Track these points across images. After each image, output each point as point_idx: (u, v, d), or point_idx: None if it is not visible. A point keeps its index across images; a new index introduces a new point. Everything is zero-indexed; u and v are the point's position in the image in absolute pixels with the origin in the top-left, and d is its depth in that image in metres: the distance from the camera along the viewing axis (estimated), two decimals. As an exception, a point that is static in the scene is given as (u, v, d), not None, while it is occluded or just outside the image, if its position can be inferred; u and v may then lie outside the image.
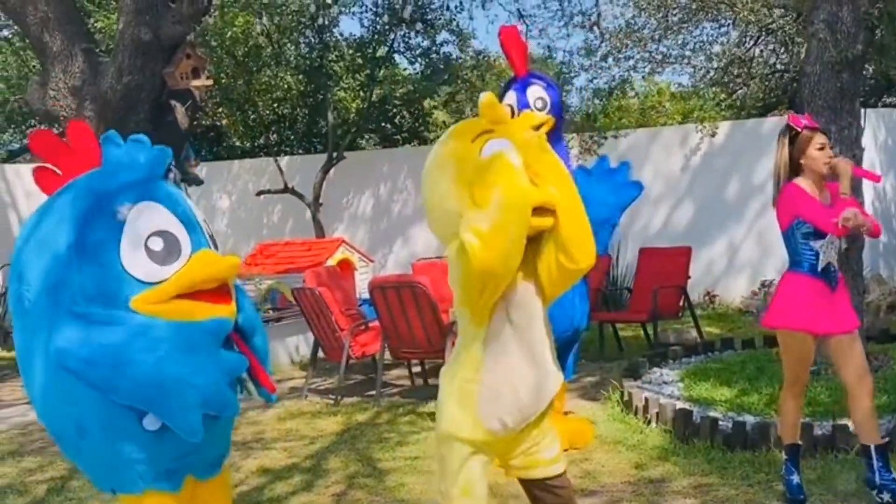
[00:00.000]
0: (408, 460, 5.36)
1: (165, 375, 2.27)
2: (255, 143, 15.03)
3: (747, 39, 14.39)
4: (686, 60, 14.92)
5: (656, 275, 8.18)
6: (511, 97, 5.16)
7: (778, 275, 10.05)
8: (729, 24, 13.95)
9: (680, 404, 5.57)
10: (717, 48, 14.56)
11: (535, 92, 5.14)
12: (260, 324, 2.71)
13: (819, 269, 3.98)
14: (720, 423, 5.16)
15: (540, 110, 5.07)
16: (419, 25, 12.17)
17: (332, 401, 7.14)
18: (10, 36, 13.80)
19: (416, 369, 7.72)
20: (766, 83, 14.64)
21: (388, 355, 7.10)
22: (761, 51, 14.21)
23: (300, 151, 15.10)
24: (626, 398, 5.98)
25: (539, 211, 2.58)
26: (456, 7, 11.94)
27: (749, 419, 5.24)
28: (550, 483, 2.94)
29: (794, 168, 4.05)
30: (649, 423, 5.53)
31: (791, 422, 4.25)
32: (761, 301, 10.13)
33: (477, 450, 2.81)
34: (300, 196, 12.72)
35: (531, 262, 2.72)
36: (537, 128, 4.88)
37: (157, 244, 2.36)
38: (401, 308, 6.50)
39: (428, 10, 12.03)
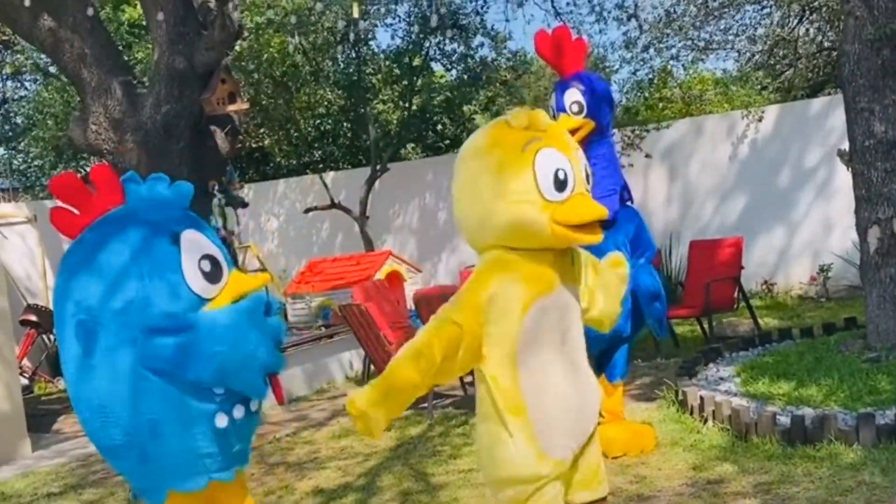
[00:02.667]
0: (461, 473, 5.30)
1: (240, 355, 2.62)
2: (301, 161, 15.14)
3: (791, 19, 14.08)
4: (730, 46, 14.68)
5: (708, 268, 8.02)
6: (552, 99, 5.17)
7: (837, 259, 9.89)
8: (771, 5, 13.68)
9: (736, 401, 5.43)
10: (760, 31, 14.31)
11: (572, 95, 5.06)
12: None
13: None
14: (779, 417, 5.01)
15: (576, 114, 5.01)
16: (452, 31, 12.13)
17: (386, 415, 7.11)
18: (56, 72, 14.11)
19: (468, 378, 7.66)
20: (814, 62, 14.29)
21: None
22: (806, 29, 13.87)
23: (345, 166, 15.18)
24: (680, 397, 5.84)
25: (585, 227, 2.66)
26: (484, 10, 11.90)
27: (808, 412, 5.08)
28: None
29: None
30: (706, 421, 5.39)
31: None
32: (820, 286, 9.88)
33: (541, 486, 2.74)
34: (347, 211, 12.77)
35: (566, 266, 2.74)
36: (574, 132, 4.86)
37: (206, 265, 2.69)
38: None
39: (461, 15, 12.00)
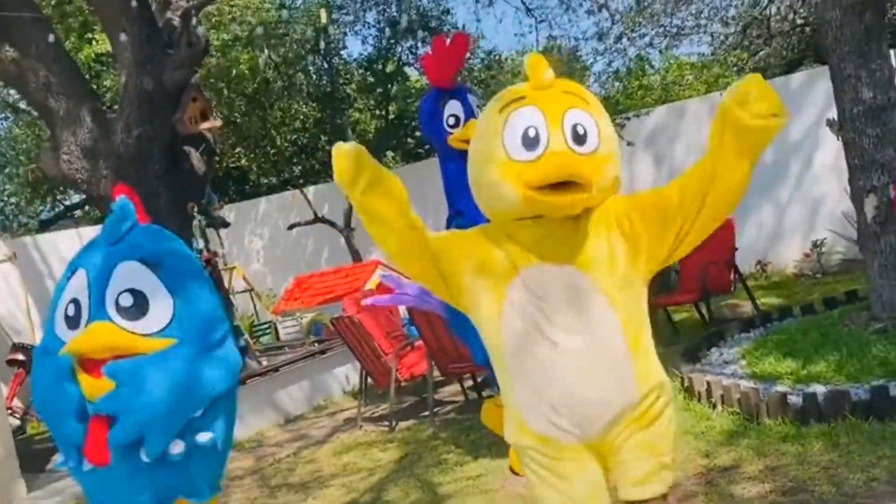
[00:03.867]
0: (469, 480, 5.15)
1: (44, 410, 2.58)
2: (280, 178, 14.95)
3: None
4: (703, 30, 14.60)
5: (701, 252, 7.80)
6: (454, 106, 4.92)
7: (829, 234, 9.80)
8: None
9: (744, 384, 5.29)
10: (731, 12, 14.23)
11: (474, 101, 4.96)
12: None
13: None
14: (789, 397, 4.87)
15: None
16: (423, 33, 11.99)
17: (387, 427, 6.96)
18: (26, 107, 13.91)
19: (469, 383, 7.50)
20: (788, 40, 14.23)
21: (437, 373, 6.91)
22: (778, 8, 13.80)
23: (326, 179, 15.00)
24: (686, 384, 5.70)
25: (559, 187, 2.32)
26: (453, 11, 11.78)
27: (819, 389, 4.95)
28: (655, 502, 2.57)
29: None
30: (714, 407, 5.25)
31: None
32: (815, 262, 9.78)
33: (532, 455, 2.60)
34: (332, 224, 12.59)
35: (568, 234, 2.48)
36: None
37: (71, 309, 2.53)
38: (443, 324, 6.29)
39: (430, 17, 11.86)
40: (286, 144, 14.01)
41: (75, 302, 2.53)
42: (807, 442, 4.48)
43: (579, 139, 2.37)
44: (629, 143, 10.92)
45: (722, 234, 7.91)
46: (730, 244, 7.84)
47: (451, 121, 4.94)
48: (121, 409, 2.49)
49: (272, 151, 13.81)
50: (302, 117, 13.38)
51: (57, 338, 2.53)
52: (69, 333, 2.51)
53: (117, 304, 2.48)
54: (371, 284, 9.26)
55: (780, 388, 5.14)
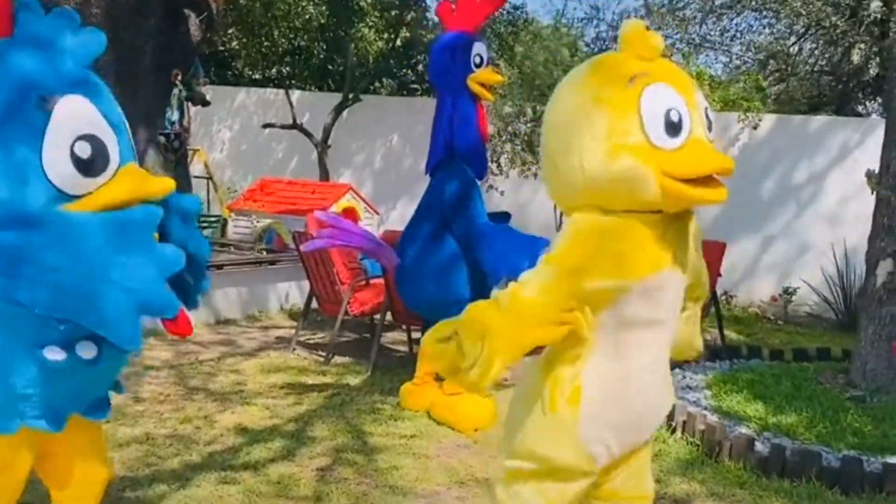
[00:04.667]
0: (402, 439, 4.79)
1: (95, 280, 1.94)
2: (266, 74, 14.26)
3: (792, 34, 13.70)
4: (725, 48, 14.25)
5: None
6: (480, 47, 5.01)
7: (804, 284, 9.59)
8: (772, 15, 13.26)
9: (710, 417, 5.00)
10: (759, 38, 13.90)
11: (481, 48, 5.04)
12: (204, 266, 2.40)
13: None
14: (756, 443, 4.59)
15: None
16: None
17: (323, 358, 6.55)
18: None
19: (416, 335, 7.12)
20: (805, 82, 13.96)
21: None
22: (811, 47, 13.50)
23: (312, 88, 14.37)
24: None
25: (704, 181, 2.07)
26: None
27: (787, 443, 4.68)
28: None
29: None
30: (673, 431, 4.96)
31: None
32: (780, 308, 9.58)
33: (569, 479, 2.24)
34: (309, 135, 12.02)
35: (682, 237, 2.20)
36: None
37: (83, 150, 1.99)
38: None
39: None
40: (283, 41, 13.31)
41: (92, 140, 2.00)
42: (766, 495, 4.22)
43: (710, 126, 2.17)
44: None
45: (710, 255, 7.65)
46: (716, 268, 7.54)
47: (477, 60, 4.93)
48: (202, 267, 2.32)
49: (266, 44, 13.11)
50: (307, 16, 12.67)
51: (58, 192, 1.98)
52: (86, 182, 2.01)
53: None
54: (338, 208, 8.78)
55: (745, 430, 4.87)
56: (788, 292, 9.50)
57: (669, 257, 2.16)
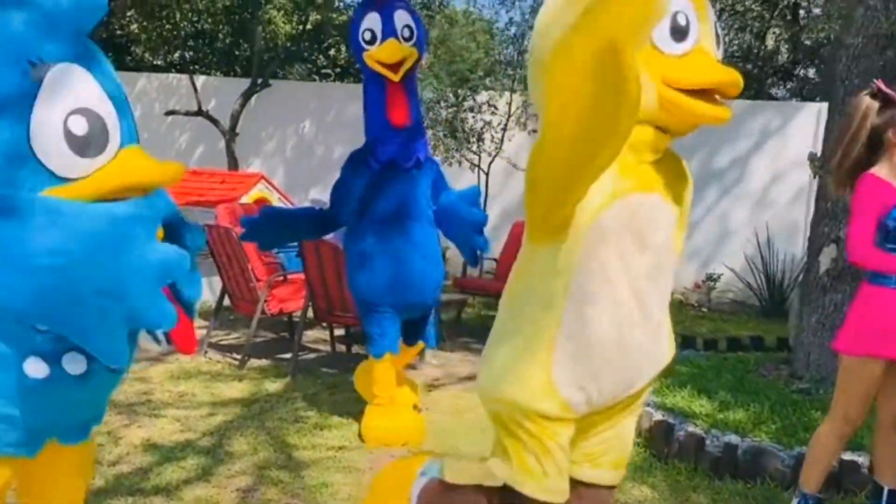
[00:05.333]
0: (331, 451, 4.38)
1: (78, 281, 1.65)
2: (168, 59, 13.55)
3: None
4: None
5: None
6: (373, 19, 4.24)
7: (727, 270, 9.52)
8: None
9: (655, 415, 4.74)
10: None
11: (403, 18, 4.25)
12: (196, 270, 2.12)
13: None
14: (707, 443, 4.35)
15: (406, 40, 4.23)
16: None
17: (238, 361, 6.08)
18: None
19: (339, 332, 6.71)
20: (728, 62, 14.02)
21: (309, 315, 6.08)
22: (723, 33, 13.53)
23: (218, 73, 13.72)
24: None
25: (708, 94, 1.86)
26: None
27: (735, 440, 4.45)
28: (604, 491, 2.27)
29: (873, 147, 3.23)
30: (619, 430, 4.68)
31: (826, 467, 3.49)
32: (703, 295, 9.50)
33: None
34: (215, 122, 11.43)
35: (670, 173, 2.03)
36: (400, 62, 4.12)
37: (78, 125, 1.71)
38: (335, 267, 5.46)
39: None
40: (185, 24, 12.63)
41: (89, 115, 1.71)
42: (721, 499, 3.98)
43: (718, 41, 1.96)
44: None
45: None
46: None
47: (367, 35, 4.23)
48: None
49: (167, 27, 12.42)
50: (211, -1, 12.06)
51: (48, 173, 1.69)
52: (81, 163, 1.72)
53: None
54: (249, 198, 8.28)
55: (693, 428, 4.62)
56: (712, 279, 9.43)
57: (662, 184, 2.00)
